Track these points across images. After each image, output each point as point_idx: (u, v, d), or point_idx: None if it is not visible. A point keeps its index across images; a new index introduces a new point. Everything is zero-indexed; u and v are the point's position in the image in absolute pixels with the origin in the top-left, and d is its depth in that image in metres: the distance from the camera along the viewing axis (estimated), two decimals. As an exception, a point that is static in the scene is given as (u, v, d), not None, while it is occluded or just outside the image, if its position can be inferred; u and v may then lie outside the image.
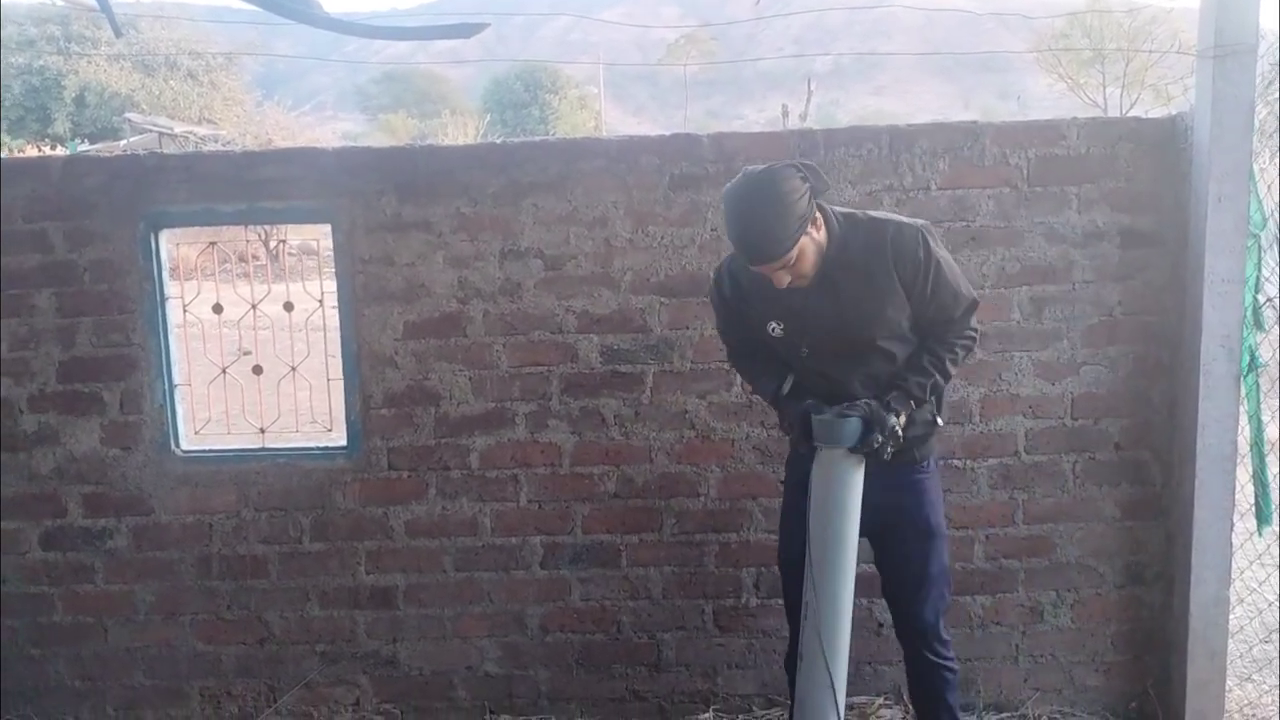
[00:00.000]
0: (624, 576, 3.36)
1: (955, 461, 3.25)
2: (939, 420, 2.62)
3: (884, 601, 2.80)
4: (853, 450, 2.45)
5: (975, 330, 2.59)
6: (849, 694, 3.28)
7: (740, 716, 3.35)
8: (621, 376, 3.28)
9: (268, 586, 3.39)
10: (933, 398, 2.57)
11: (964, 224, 3.17)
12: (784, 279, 2.41)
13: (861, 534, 2.59)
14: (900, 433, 2.46)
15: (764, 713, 3.34)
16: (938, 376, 2.52)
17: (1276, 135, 3.40)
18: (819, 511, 2.50)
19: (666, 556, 3.34)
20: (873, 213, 2.58)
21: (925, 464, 2.61)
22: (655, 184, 3.22)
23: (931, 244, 2.47)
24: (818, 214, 2.42)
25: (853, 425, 2.43)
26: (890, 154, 3.17)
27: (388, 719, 3.41)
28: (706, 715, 3.35)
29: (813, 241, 2.41)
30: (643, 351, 3.27)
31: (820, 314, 2.49)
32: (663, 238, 3.23)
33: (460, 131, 32.60)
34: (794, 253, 2.36)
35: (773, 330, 2.55)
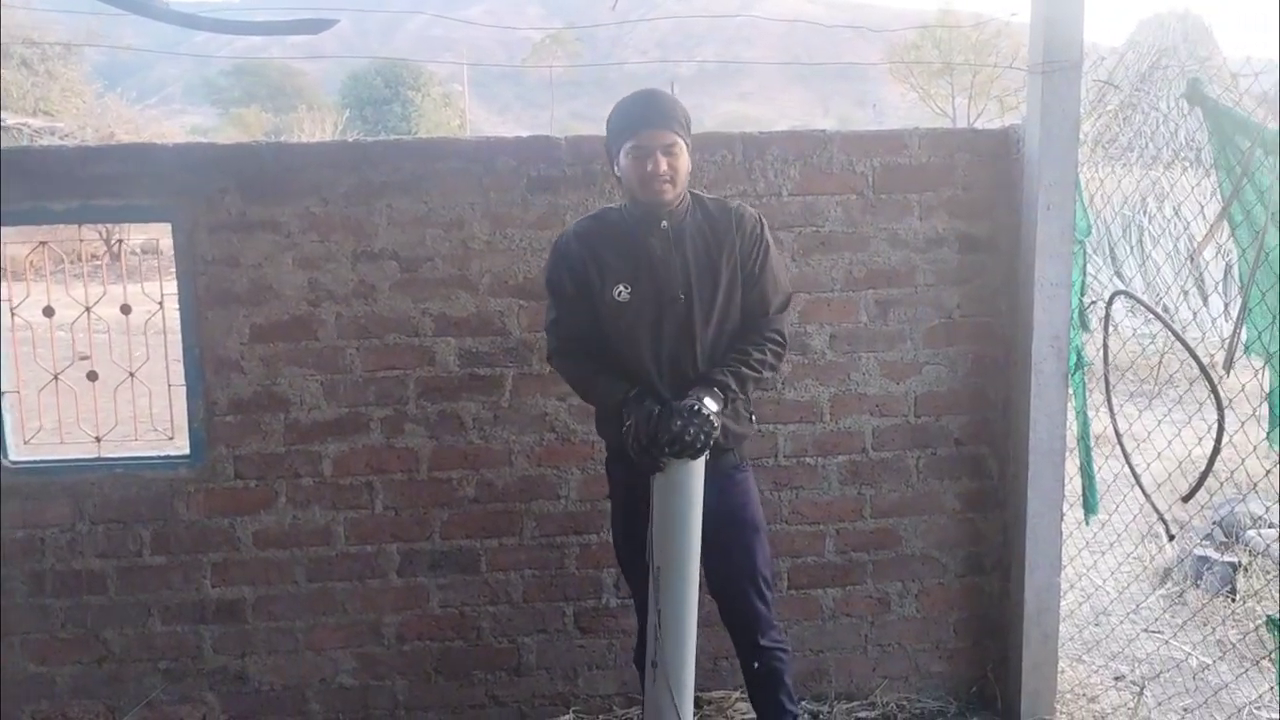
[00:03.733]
0: (484, 581, 3.33)
1: (807, 459, 3.35)
2: (753, 421, 2.74)
3: None
4: (665, 444, 2.43)
5: (783, 335, 2.67)
6: (709, 689, 3.36)
7: (601, 716, 3.37)
8: (480, 379, 3.25)
9: (105, 603, 3.23)
10: (743, 396, 2.61)
11: (814, 229, 3.27)
12: (662, 164, 2.47)
13: None
14: (711, 419, 2.45)
15: (624, 712, 3.37)
16: (742, 369, 2.56)
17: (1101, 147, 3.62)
18: (664, 522, 2.51)
19: (527, 560, 3.33)
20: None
21: (744, 464, 2.73)
22: (513, 186, 3.20)
23: (766, 228, 2.66)
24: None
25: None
26: (744, 160, 3.24)
27: (237, 736, 3.30)
28: (567, 717, 3.35)
29: (687, 160, 2.54)
30: (502, 354, 3.25)
31: (670, 269, 2.55)
32: (521, 240, 3.22)
33: (317, 127, 31.65)
34: (681, 140, 2.49)
35: (619, 294, 2.56)
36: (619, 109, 2.56)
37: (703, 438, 2.44)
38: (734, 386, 2.55)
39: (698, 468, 2.51)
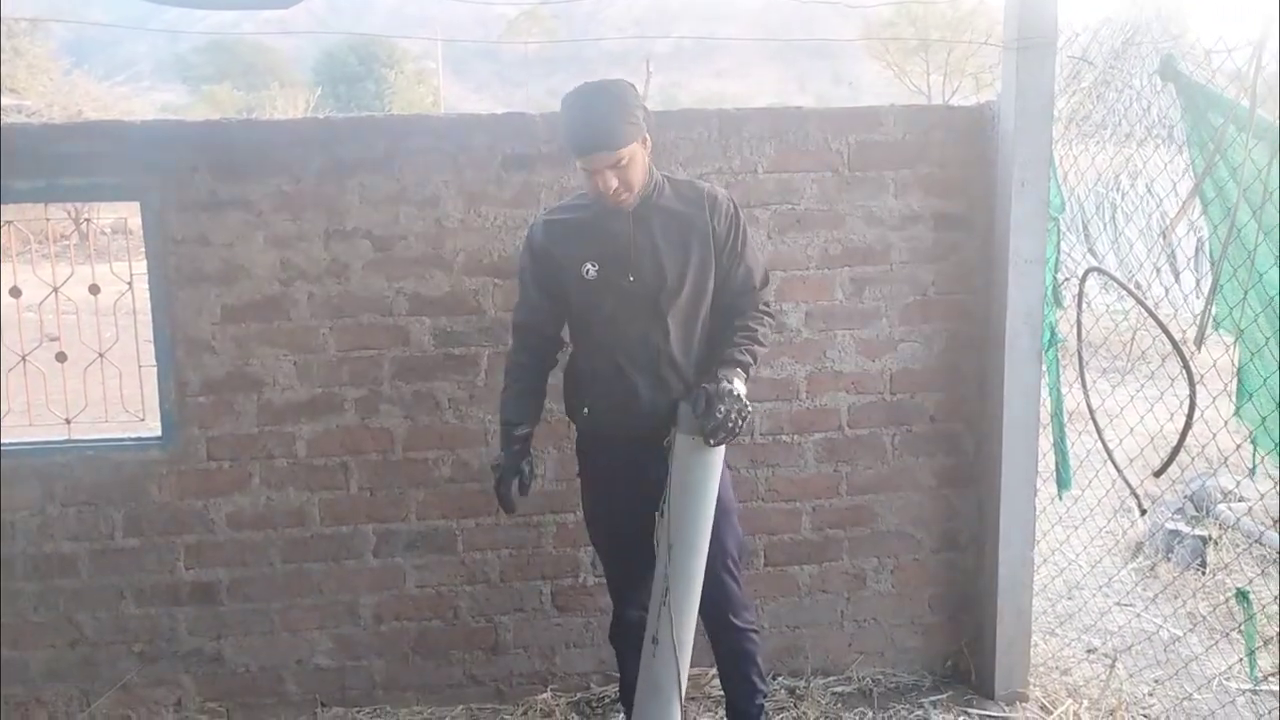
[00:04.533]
0: (460, 561, 3.32)
1: (783, 437, 3.35)
2: None
3: None
4: (710, 432, 2.45)
5: (771, 306, 2.73)
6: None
7: (578, 694, 3.38)
8: (455, 359, 3.23)
9: (78, 586, 3.20)
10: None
11: (789, 207, 3.26)
12: (612, 182, 2.44)
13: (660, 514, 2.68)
14: (745, 400, 2.48)
15: (601, 689, 3.38)
16: (754, 345, 2.61)
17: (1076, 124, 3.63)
18: (682, 502, 2.54)
19: (504, 539, 3.32)
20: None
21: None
22: (487, 163, 3.17)
23: (739, 209, 2.65)
24: (648, 136, 2.50)
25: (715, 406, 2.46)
26: (720, 137, 3.22)
27: (213, 718, 3.28)
28: (545, 695, 3.36)
29: (642, 155, 2.48)
30: (476, 333, 3.23)
31: (640, 248, 2.54)
32: (496, 218, 3.20)
33: (290, 105, 31.19)
34: (628, 151, 2.42)
35: (586, 272, 2.55)
36: (564, 122, 2.48)
37: (742, 422, 2.47)
38: (752, 363, 2.59)
39: (719, 449, 2.53)
